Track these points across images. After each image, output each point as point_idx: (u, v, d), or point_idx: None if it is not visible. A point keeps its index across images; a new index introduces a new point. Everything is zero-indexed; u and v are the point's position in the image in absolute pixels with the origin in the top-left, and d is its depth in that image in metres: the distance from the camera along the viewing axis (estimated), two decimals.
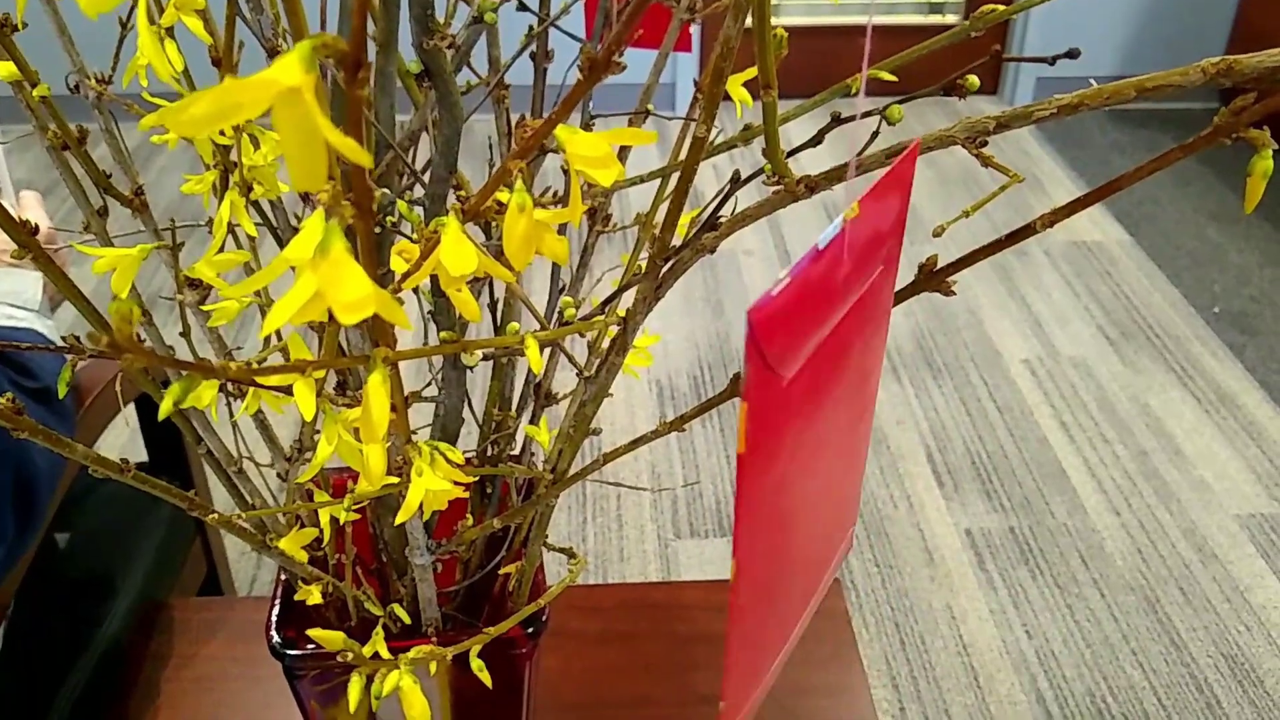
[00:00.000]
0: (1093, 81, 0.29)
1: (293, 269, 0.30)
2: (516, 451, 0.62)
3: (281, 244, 0.56)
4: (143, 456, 1.19)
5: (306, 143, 0.17)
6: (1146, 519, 1.84)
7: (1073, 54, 0.32)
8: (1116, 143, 3.16)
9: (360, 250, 0.23)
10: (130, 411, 1.21)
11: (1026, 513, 1.85)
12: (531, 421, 0.59)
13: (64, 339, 0.40)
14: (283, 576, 0.58)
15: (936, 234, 0.36)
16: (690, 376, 2.18)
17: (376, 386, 0.26)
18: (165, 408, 0.24)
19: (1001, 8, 0.44)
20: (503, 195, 0.30)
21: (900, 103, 0.34)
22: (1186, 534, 1.80)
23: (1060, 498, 1.88)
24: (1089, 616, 1.66)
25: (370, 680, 0.44)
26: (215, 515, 0.45)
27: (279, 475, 0.57)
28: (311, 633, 0.38)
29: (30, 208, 0.90)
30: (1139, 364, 2.22)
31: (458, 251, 0.28)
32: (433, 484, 0.34)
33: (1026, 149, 3.11)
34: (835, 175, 0.33)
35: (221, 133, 0.47)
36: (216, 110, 0.18)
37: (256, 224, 0.52)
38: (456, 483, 0.35)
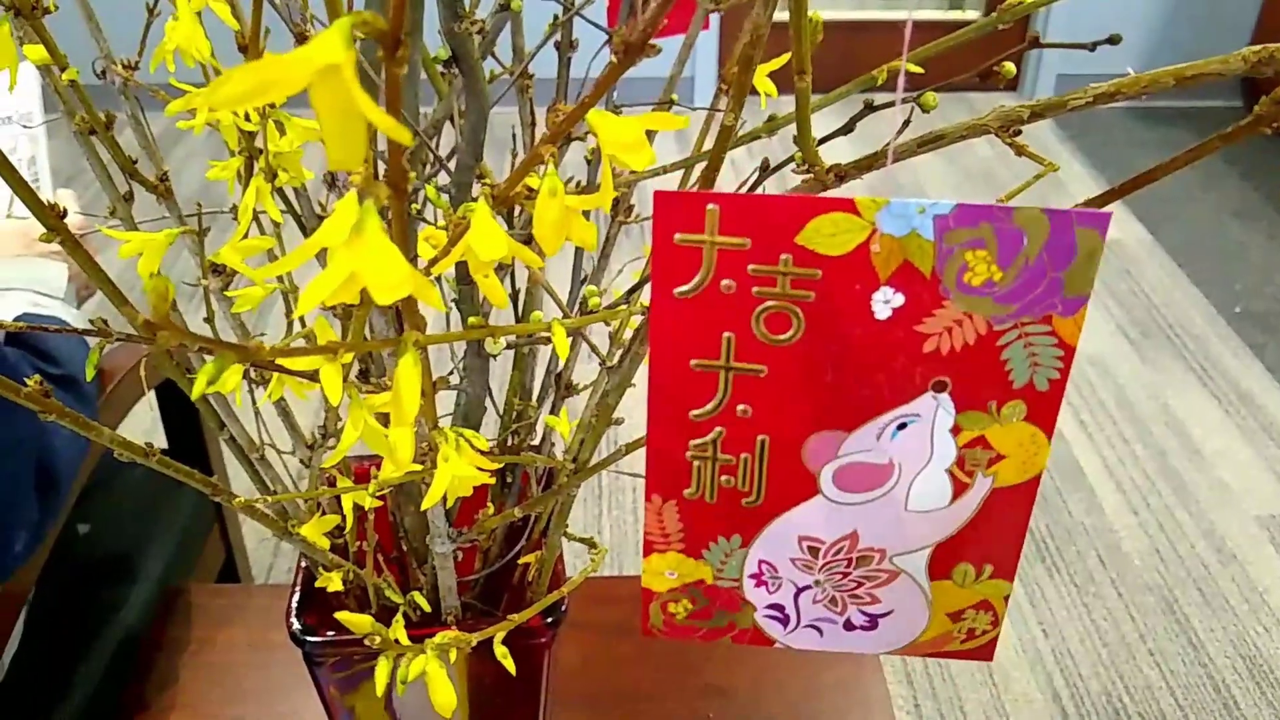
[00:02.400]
0: (1129, 70, 0.29)
1: (319, 254, 0.30)
2: (536, 441, 0.62)
3: (305, 230, 0.56)
4: (163, 445, 1.20)
5: (345, 121, 0.17)
6: (1165, 519, 1.83)
7: (1114, 40, 0.32)
8: (1138, 140, 3.14)
9: (394, 231, 0.22)
10: (151, 400, 1.22)
11: (1044, 511, 1.84)
12: (552, 412, 0.59)
13: (91, 322, 0.40)
14: (303, 564, 0.58)
15: None
16: None
17: (408, 369, 0.26)
18: (199, 388, 0.24)
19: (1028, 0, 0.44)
20: (532, 181, 0.30)
21: (935, 90, 0.34)
22: (1205, 534, 1.79)
23: (1078, 496, 1.87)
24: (1106, 616, 1.65)
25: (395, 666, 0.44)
26: (239, 500, 0.45)
27: (301, 462, 0.57)
28: (339, 615, 0.38)
29: (64, 205, 0.92)
30: (1159, 363, 2.20)
31: (488, 236, 0.28)
32: (459, 470, 0.34)
33: (1047, 145, 3.09)
34: (866, 164, 0.33)
35: (247, 118, 0.47)
36: (253, 87, 0.18)
37: (281, 210, 0.52)
38: (481, 469, 0.35)
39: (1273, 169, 2.83)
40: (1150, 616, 1.65)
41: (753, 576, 0.42)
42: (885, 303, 0.33)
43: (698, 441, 0.38)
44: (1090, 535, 1.79)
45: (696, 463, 0.38)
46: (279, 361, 0.29)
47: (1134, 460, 1.95)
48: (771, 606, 0.43)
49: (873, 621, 0.43)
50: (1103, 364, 2.20)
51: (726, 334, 0.34)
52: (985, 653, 0.44)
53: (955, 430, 0.36)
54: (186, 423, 1.19)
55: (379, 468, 0.49)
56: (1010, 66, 0.34)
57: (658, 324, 0.34)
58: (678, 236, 0.32)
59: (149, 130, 0.52)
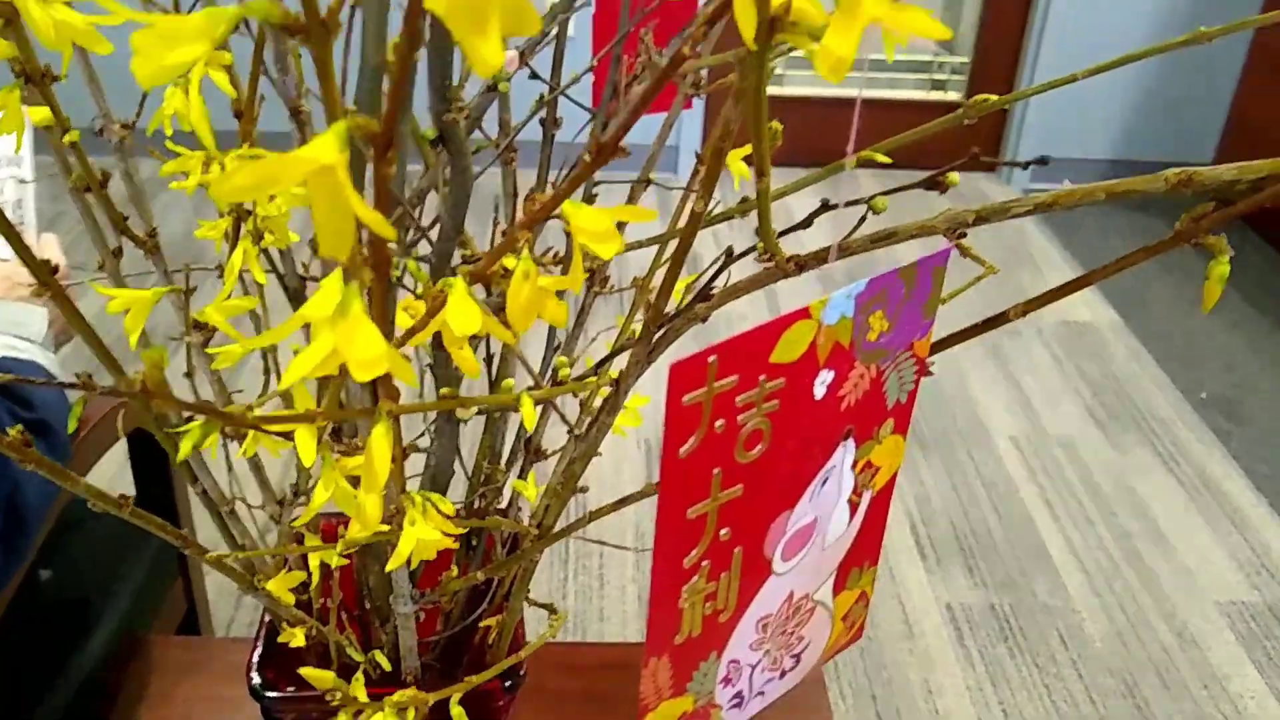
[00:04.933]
0: (1066, 182, 0.31)
1: (306, 326, 0.31)
2: (503, 505, 0.63)
3: (288, 291, 0.57)
4: (131, 489, 1.19)
5: (337, 216, 0.19)
6: (1127, 602, 1.84)
7: (1043, 161, 0.34)
8: (1108, 215, 3.20)
9: (374, 311, 0.24)
10: (121, 444, 1.22)
11: (1008, 590, 1.85)
12: (520, 476, 0.60)
13: (76, 376, 0.41)
14: (266, 618, 0.59)
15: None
16: None
17: (380, 438, 0.28)
18: (184, 452, 0.25)
19: (994, 97, 0.47)
20: (509, 261, 0.32)
21: (886, 195, 0.37)
22: (1167, 619, 1.81)
23: (1042, 576, 1.88)
24: (1066, 698, 1.65)
25: None
26: (210, 555, 0.46)
27: (271, 518, 0.58)
28: (304, 671, 0.39)
29: (49, 250, 0.92)
30: (1125, 446, 2.24)
31: (463, 312, 0.30)
32: (424, 534, 0.35)
33: (1018, 223, 3.15)
34: (820, 257, 0.35)
35: None
36: (257, 181, 0.19)
37: (265, 270, 0.53)
38: (446, 533, 0.37)
39: (1236, 257, 2.90)
40: (1110, 700, 1.65)
41: (723, 680, 0.43)
42: (822, 384, 0.36)
43: (689, 585, 0.38)
44: (1053, 616, 1.80)
45: (687, 606, 0.39)
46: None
47: (1098, 542, 1.97)
48: (734, 697, 0.44)
49: (798, 659, 0.46)
50: (1071, 445, 2.23)
51: (715, 470, 0.35)
52: (859, 634, 0.50)
53: (854, 464, 0.41)
54: (155, 469, 1.19)
55: (347, 526, 0.50)
56: (955, 177, 0.36)
57: (668, 488, 0.35)
58: (686, 398, 0.33)
59: (141, 188, 0.54)
